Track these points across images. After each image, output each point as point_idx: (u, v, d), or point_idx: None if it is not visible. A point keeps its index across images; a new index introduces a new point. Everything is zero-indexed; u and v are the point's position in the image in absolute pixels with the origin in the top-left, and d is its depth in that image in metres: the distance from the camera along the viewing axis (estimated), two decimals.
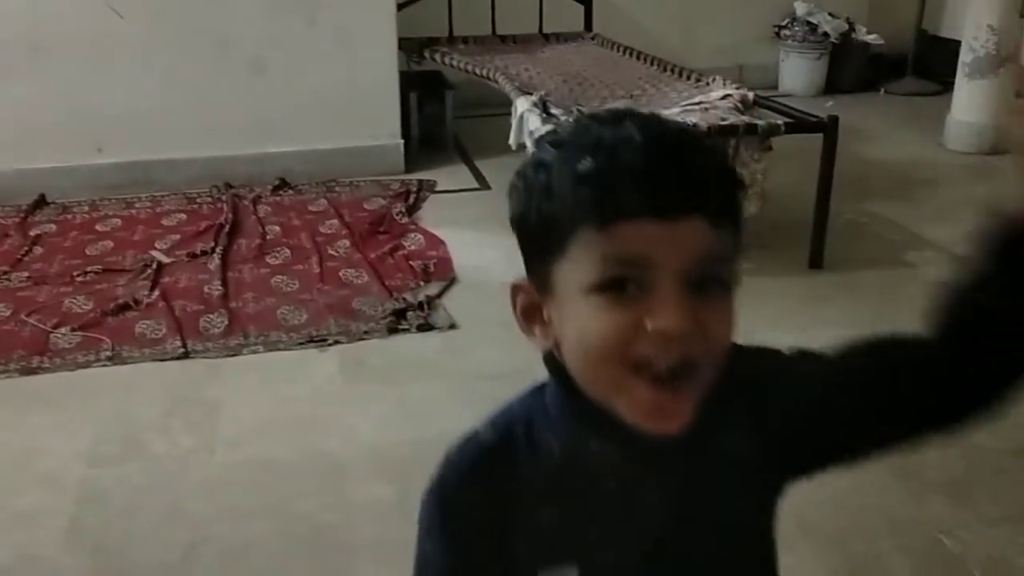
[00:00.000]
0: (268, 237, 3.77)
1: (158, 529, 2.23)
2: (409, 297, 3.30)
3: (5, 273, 3.44)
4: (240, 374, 2.91)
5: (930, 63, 5.99)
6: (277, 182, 4.30)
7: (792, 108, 3.57)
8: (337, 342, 3.06)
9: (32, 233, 3.80)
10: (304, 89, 4.39)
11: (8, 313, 3.15)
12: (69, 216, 3.99)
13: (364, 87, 4.47)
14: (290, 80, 4.37)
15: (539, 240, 0.81)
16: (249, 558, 2.14)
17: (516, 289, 0.88)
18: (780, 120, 3.40)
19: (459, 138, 4.97)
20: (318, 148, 4.44)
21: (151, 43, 4.20)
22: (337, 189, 4.30)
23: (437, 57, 4.73)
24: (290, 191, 4.27)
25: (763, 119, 3.42)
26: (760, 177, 3.32)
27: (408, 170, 4.53)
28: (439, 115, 4.87)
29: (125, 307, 3.19)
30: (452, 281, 3.46)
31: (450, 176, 4.52)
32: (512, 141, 3.68)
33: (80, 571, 2.10)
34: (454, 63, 4.61)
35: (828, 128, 3.36)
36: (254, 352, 3.00)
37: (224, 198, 4.13)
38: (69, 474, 2.44)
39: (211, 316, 3.14)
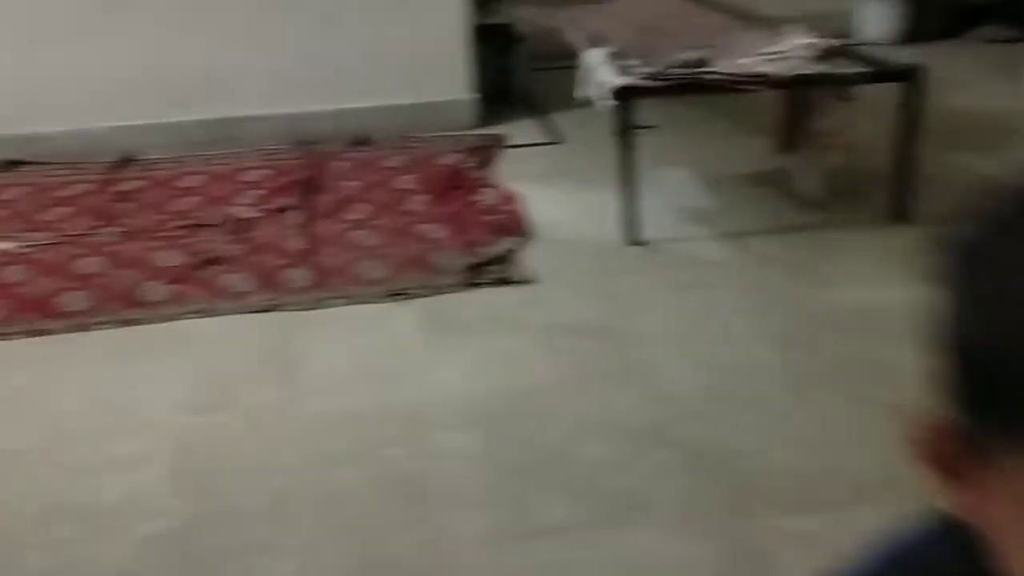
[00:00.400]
0: (346, 193, 3.84)
1: (253, 476, 2.34)
2: (485, 251, 3.34)
3: (98, 229, 3.58)
4: (324, 327, 3.00)
5: (1018, 8, 5.78)
6: (354, 138, 4.36)
7: (874, 56, 3.50)
8: (416, 296, 3.14)
9: (121, 189, 3.93)
10: (376, 44, 4.43)
11: (103, 268, 3.28)
12: (155, 172, 4.11)
13: (435, 41, 4.49)
14: (362, 35, 4.41)
15: (1001, 390, 0.48)
16: (339, 505, 2.24)
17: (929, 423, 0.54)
18: (861, 69, 3.34)
19: (530, 91, 4.97)
20: (393, 103, 4.49)
21: (237, 3, 4.26)
22: (412, 144, 4.35)
23: (508, 9, 4.72)
24: (366, 147, 4.33)
25: (843, 68, 3.36)
26: (842, 128, 3.27)
27: (480, 125, 4.56)
28: (510, 68, 4.87)
29: (212, 261, 3.30)
30: (526, 235, 3.50)
31: (522, 130, 4.53)
32: (578, 93, 3.68)
33: (184, 513, 2.22)
34: (525, 15, 4.60)
35: (913, 76, 3.29)
36: (336, 306, 3.09)
37: (303, 154, 4.21)
38: (166, 421, 2.57)
39: (295, 270, 3.23)
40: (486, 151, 4.25)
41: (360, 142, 4.36)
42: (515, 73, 4.89)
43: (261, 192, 3.86)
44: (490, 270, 3.24)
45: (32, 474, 2.37)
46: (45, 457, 2.43)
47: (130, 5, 4.18)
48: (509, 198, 3.76)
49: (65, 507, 2.25)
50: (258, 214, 3.66)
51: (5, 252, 3.45)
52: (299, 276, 3.22)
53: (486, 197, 3.78)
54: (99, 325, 3.00)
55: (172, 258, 3.33)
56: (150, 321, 3.03)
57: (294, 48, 4.38)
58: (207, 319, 3.04)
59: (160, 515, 2.22)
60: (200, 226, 3.57)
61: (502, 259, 3.30)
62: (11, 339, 2.96)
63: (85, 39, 4.19)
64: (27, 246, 3.49)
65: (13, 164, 4.20)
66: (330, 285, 3.17)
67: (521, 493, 2.24)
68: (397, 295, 3.14)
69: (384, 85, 4.50)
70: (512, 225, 3.54)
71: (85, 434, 2.52)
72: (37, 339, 2.96)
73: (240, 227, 3.54)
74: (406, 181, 3.97)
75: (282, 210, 3.68)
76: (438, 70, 4.54)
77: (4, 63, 4.16)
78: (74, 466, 2.40)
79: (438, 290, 3.16)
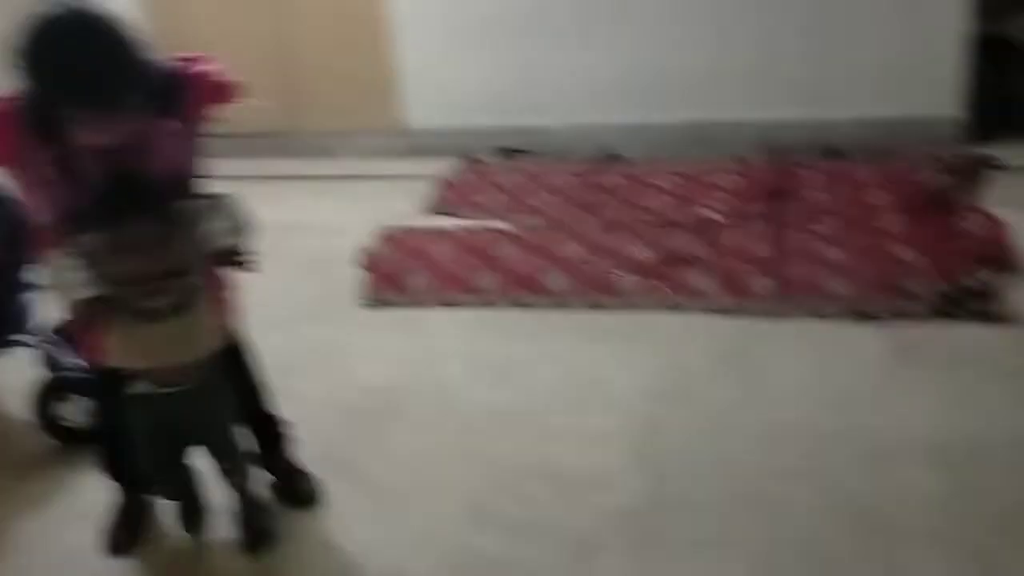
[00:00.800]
0: (816, 204, 3.80)
1: (709, 472, 2.43)
2: (963, 281, 3.13)
3: (578, 217, 3.90)
4: (784, 338, 3.00)
5: None
6: (826, 149, 4.28)
7: None
8: (883, 319, 3.03)
9: (601, 183, 4.25)
10: (861, 53, 4.30)
11: (582, 254, 3.57)
12: (633, 170, 4.37)
13: (926, 51, 4.24)
14: (847, 43, 4.30)
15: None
16: (792, 521, 2.24)
17: None
18: None
19: None
20: (871, 116, 4.34)
21: (725, 7, 4.38)
22: (889, 159, 4.17)
23: (1016, 19, 4.32)
24: (839, 159, 4.24)
25: None
26: None
27: (969, 143, 4.24)
28: (1010, 84, 4.46)
29: (680, 259, 3.44)
30: (1013, 269, 3.21)
31: (1019, 153, 4.14)
32: None
33: (642, 494, 2.37)
34: None
35: None
36: (798, 318, 3.09)
37: (773, 162, 4.23)
38: (631, 404, 2.75)
39: (760, 277, 3.27)
40: (972, 172, 3.95)
41: (832, 153, 4.27)
42: (1016, 90, 4.46)
43: (730, 197, 3.95)
44: (968, 303, 3.03)
45: (514, 435, 2.67)
46: (526, 420, 2.72)
47: (625, 15, 4.46)
48: (996, 225, 3.46)
49: (538, 468, 2.51)
50: (726, 218, 3.75)
51: (499, 231, 3.89)
52: (763, 284, 3.25)
53: (969, 222, 3.52)
54: (575, 306, 3.29)
55: (643, 252, 3.53)
56: (620, 308, 3.25)
57: (769, 55, 4.40)
58: (672, 314, 3.19)
59: (620, 491, 2.39)
60: (671, 225, 3.75)
61: (982, 292, 3.07)
62: (500, 307, 3.34)
63: (585, 43, 4.55)
64: (518, 227, 3.90)
65: (511, 152, 4.71)
66: (793, 296, 3.17)
67: (987, 545, 2.10)
68: (862, 316, 3.05)
69: (862, 96, 4.36)
70: (997, 256, 3.27)
71: (560, 404, 2.79)
72: (521, 311, 3.32)
73: (709, 229, 3.66)
74: (880, 197, 3.83)
75: (750, 216, 3.74)
76: (926, 82, 4.30)
77: (513, 62, 4.66)
78: (549, 431, 2.66)
79: (907, 316, 3.03)
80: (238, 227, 1.98)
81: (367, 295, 3.47)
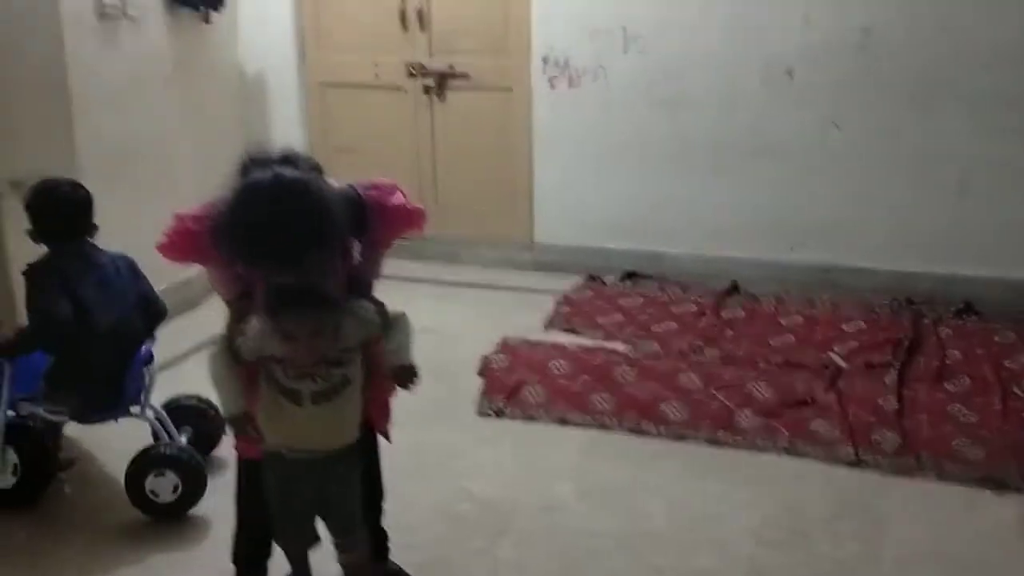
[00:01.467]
0: (948, 362, 3.69)
1: None
2: None
3: (700, 349, 3.89)
4: (908, 495, 2.90)
5: None
6: (961, 305, 4.19)
7: None
8: (1014, 487, 2.90)
9: (724, 316, 4.24)
10: (1006, 214, 4.23)
11: (700, 386, 3.55)
12: (757, 306, 4.35)
13: None
14: (991, 204, 4.24)
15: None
16: None
17: None
18: None
19: None
20: (1011, 276, 4.23)
21: (857, 156, 4.40)
22: None
23: None
24: (974, 317, 4.13)
25: None
26: None
27: None
28: None
29: (802, 403, 3.39)
30: None
31: None
32: None
33: None
34: None
35: None
36: (924, 477, 2.98)
37: (905, 313, 4.15)
38: (739, 547, 2.68)
39: (884, 430, 3.19)
40: None
41: (968, 311, 4.17)
42: None
43: (857, 344, 3.88)
44: None
45: (616, 564, 2.63)
46: (629, 550, 2.68)
47: (764, 153, 4.52)
48: None
49: None
50: (852, 365, 3.68)
51: (617, 352, 3.90)
52: (886, 437, 3.16)
53: None
54: (691, 438, 3.25)
55: (765, 391, 3.48)
56: (736, 446, 3.20)
57: (909, 208, 4.36)
58: (791, 458, 3.12)
59: None
60: (794, 366, 3.70)
61: None
62: (615, 431, 3.33)
63: (719, 177, 4.61)
64: (636, 352, 3.91)
65: (633, 276, 4.75)
66: (919, 454, 3.06)
67: None
68: (992, 482, 2.93)
69: (1004, 256, 4.27)
70: None
71: (665, 537, 2.74)
72: (636, 436, 3.30)
73: (833, 375, 3.59)
74: (1018, 361, 3.70)
75: (877, 366, 3.66)
76: None
77: (645, 188, 4.75)
78: (650, 566, 2.61)
79: None
80: (410, 345, 2.15)
81: (484, 404, 3.51)
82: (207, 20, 4.43)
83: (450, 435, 3.33)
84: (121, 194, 3.75)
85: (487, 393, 3.56)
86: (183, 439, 2.94)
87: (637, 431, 3.31)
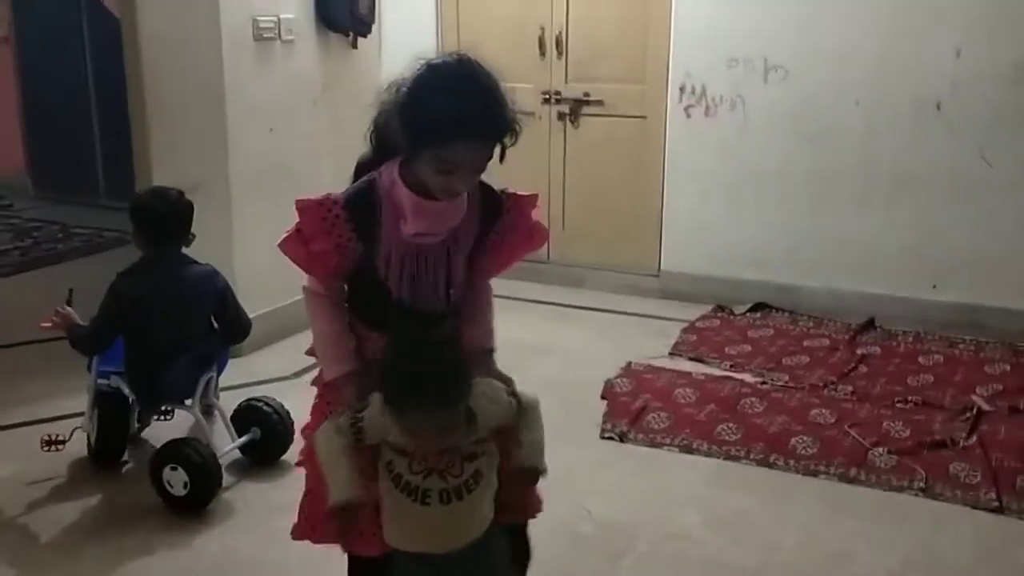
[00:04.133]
0: None
1: None
2: None
3: (832, 384, 3.78)
4: None
5: None
6: None
7: None
8: None
9: (859, 352, 4.11)
10: None
11: (832, 421, 3.46)
12: (894, 343, 4.21)
13: None
14: None
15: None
16: None
17: None
18: None
19: None
20: None
21: (1007, 191, 4.23)
22: None
23: None
24: None
25: None
26: None
27: None
28: None
29: (941, 444, 3.25)
30: None
31: None
32: None
33: None
34: None
35: None
36: None
37: None
38: None
39: None
40: None
41: None
42: None
43: (1002, 387, 3.71)
44: None
45: None
46: None
47: (907, 190, 4.39)
48: None
49: None
50: (996, 408, 3.52)
51: (746, 383, 3.84)
52: None
53: None
54: (822, 474, 3.16)
55: (901, 430, 3.36)
56: (871, 485, 3.09)
57: None
58: (928, 500, 3.00)
59: None
60: (932, 406, 3.56)
61: None
62: (743, 462, 3.26)
63: (859, 212, 4.51)
64: (766, 383, 3.84)
65: (764, 307, 4.67)
66: None
67: None
68: None
69: None
70: None
71: (796, 570, 2.66)
72: (765, 469, 3.23)
73: (974, 417, 3.44)
74: None
75: (1020, 410, 3.48)
76: None
77: (780, 220, 4.68)
78: None
79: None
80: (543, 442, 1.92)
81: (607, 426, 3.50)
82: (354, 45, 4.61)
83: (571, 454, 3.31)
84: (265, 208, 3.94)
85: (610, 416, 3.55)
86: (245, 438, 3.16)
87: (766, 464, 3.24)
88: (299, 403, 2.30)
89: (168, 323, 2.99)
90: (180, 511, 2.93)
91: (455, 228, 1.86)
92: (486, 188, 1.92)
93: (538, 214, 2.02)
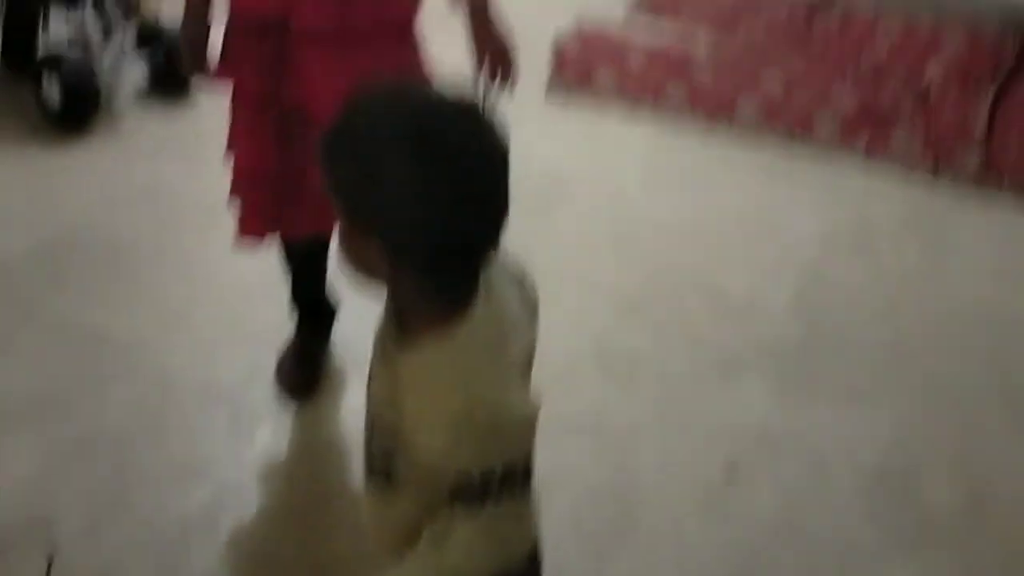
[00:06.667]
0: None
1: (871, 330, 2.35)
2: None
3: (786, 50, 3.66)
4: (983, 216, 2.83)
5: None
6: None
7: None
8: None
9: (815, 24, 3.95)
10: None
11: (781, 86, 3.38)
12: (852, 17, 4.05)
13: None
14: None
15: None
16: (943, 392, 2.17)
17: None
18: None
19: None
20: None
21: None
22: None
23: None
24: None
25: None
26: None
27: None
28: None
29: (887, 115, 3.22)
30: None
31: None
32: None
33: (799, 334, 2.32)
34: None
35: None
36: (1002, 201, 2.89)
37: (1012, 39, 3.84)
38: (804, 248, 2.65)
39: (969, 150, 3.05)
40: None
41: None
42: None
43: (954, 61, 3.63)
44: None
45: (678, 248, 2.63)
46: (693, 237, 2.68)
47: None
48: None
49: (694, 282, 2.47)
50: (944, 82, 3.47)
51: (697, 42, 3.67)
52: (970, 157, 3.03)
53: None
54: (765, 136, 3.14)
55: (848, 98, 3.32)
56: (811, 148, 3.09)
57: None
58: (866, 168, 3.03)
59: (775, 324, 2.35)
60: (882, 75, 3.50)
61: None
62: (687, 126, 3.22)
63: None
64: (718, 44, 3.69)
65: None
66: (1001, 176, 2.95)
67: None
68: None
69: None
70: None
71: (731, 230, 2.71)
72: (709, 134, 3.19)
73: (922, 91, 3.40)
74: None
75: (971, 85, 3.44)
76: None
77: None
78: (713, 253, 2.61)
79: None
80: None
81: (554, 85, 3.39)
82: None
83: (516, 113, 3.23)
84: None
85: (557, 73, 3.43)
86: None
87: (710, 128, 3.20)
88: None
89: None
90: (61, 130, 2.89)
91: None
92: None
93: None
